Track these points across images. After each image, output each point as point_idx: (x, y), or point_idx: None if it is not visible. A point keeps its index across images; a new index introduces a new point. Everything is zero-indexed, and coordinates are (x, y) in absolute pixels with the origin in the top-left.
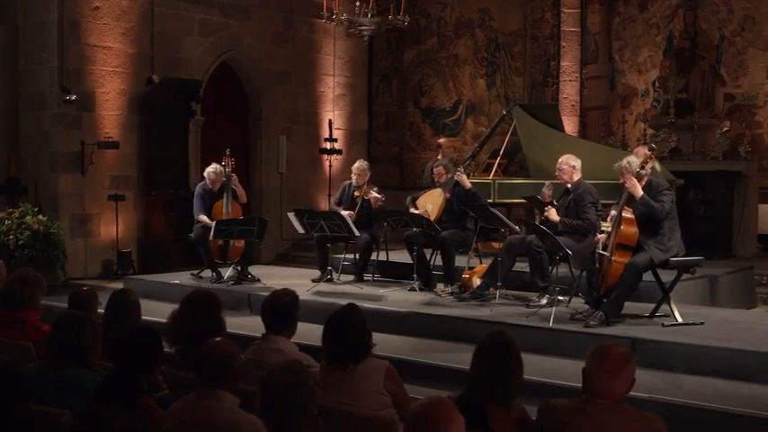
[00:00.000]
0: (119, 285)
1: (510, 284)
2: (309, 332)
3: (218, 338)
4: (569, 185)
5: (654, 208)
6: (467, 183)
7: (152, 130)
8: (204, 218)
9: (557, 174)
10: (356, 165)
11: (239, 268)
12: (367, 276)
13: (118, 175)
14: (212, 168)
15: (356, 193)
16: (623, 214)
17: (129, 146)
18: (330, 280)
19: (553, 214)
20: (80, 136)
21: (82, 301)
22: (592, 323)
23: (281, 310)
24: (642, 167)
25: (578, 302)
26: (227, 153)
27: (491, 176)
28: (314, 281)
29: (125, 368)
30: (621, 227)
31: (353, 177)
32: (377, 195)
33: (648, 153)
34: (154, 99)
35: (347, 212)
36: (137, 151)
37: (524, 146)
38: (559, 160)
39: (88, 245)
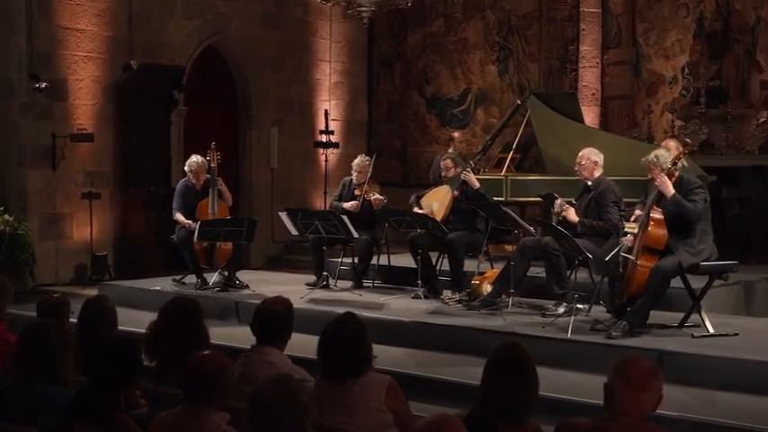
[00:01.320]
0: (93, 292)
1: (524, 291)
2: (303, 343)
3: (207, 351)
4: (589, 183)
5: (686, 208)
6: (475, 183)
7: (130, 121)
8: (180, 217)
9: (576, 170)
10: (357, 161)
11: (226, 273)
12: (367, 282)
13: (92, 170)
14: (194, 159)
15: (357, 191)
16: (652, 215)
17: (104, 138)
18: (326, 286)
19: (571, 214)
20: (51, 127)
21: (52, 309)
22: (614, 334)
23: (275, 319)
24: (674, 163)
25: (599, 311)
26: (213, 146)
27: (503, 172)
28: (308, 286)
29: (100, 383)
30: (649, 228)
31: (354, 174)
32: (379, 197)
33: (680, 148)
34: (132, 87)
35: (350, 204)
36: (113, 144)
37: (540, 139)
38: (579, 154)
39: (59, 247)
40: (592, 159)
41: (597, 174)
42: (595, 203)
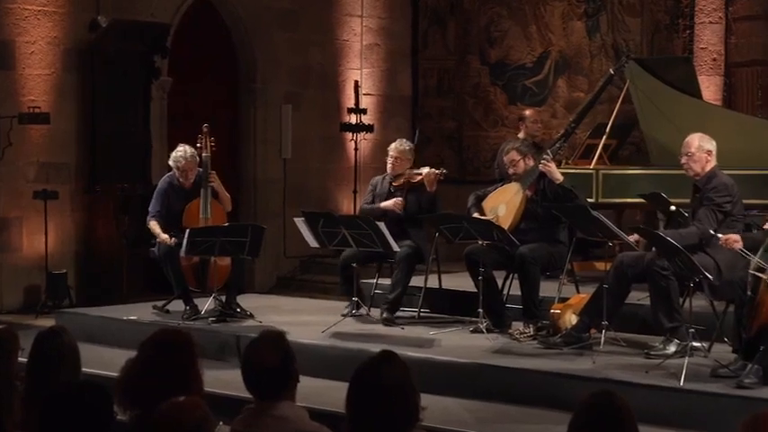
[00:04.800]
0: (49, 323)
1: (621, 324)
2: (326, 392)
3: (182, 398)
4: (698, 178)
5: None
6: (557, 174)
7: (98, 96)
8: (156, 227)
9: (683, 162)
10: (393, 145)
11: (224, 299)
12: (410, 311)
13: (48, 162)
14: (181, 151)
15: (395, 183)
16: None
17: (64, 120)
18: (357, 315)
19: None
20: None
21: None
22: (745, 381)
23: (269, 372)
24: None
25: (723, 350)
26: (205, 130)
27: (593, 165)
28: (344, 316)
29: None
30: None
31: (389, 165)
32: (434, 170)
33: None
34: (100, 52)
35: (390, 202)
36: (75, 128)
37: (642, 119)
38: (686, 142)
39: (4, 263)
40: (704, 149)
41: (710, 166)
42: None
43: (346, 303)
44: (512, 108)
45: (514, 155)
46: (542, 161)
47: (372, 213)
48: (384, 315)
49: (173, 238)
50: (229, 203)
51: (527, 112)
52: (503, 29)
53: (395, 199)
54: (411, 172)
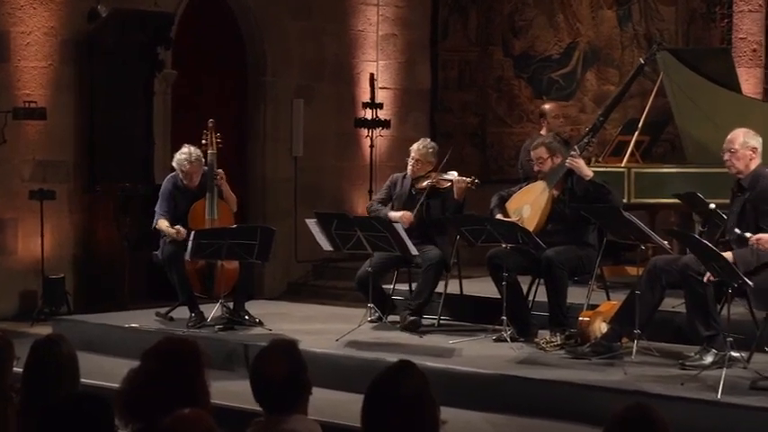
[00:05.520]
0: (46, 331)
1: (654, 333)
2: (340, 405)
3: (187, 411)
4: (741, 177)
5: None
6: (586, 170)
7: (97, 90)
8: (165, 224)
9: (725, 159)
10: (415, 146)
11: (231, 305)
12: (429, 318)
13: (44, 159)
14: (185, 153)
15: (417, 186)
16: None
17: (61, 115)
18: (375, 322)
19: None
20: None
21: None
22: None
23: (279, 384)
24: None
25: (763, 361)
26: (211, 125)
27: (624, 163)
28: (372, 321)
29: None
30: None
31: (410, 166)
32: (463, 178)
33: None
34: (100, 43)
35: (399, 214)
36: (73, 123)
37: (677, 114)
38: (729, 138)
39: None
40: (749, 145)
41: (754, 165)
42: (752, 208)
43: (371, 311)
44: (537, 102)
45: (543, 151)
46: (569, 157)
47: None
48: (408, 321)
49: (184, 230)
50: (235, 204)
51: (547, 107)
52: (528, 18)
53: (403, 212)
54: (438, 177)
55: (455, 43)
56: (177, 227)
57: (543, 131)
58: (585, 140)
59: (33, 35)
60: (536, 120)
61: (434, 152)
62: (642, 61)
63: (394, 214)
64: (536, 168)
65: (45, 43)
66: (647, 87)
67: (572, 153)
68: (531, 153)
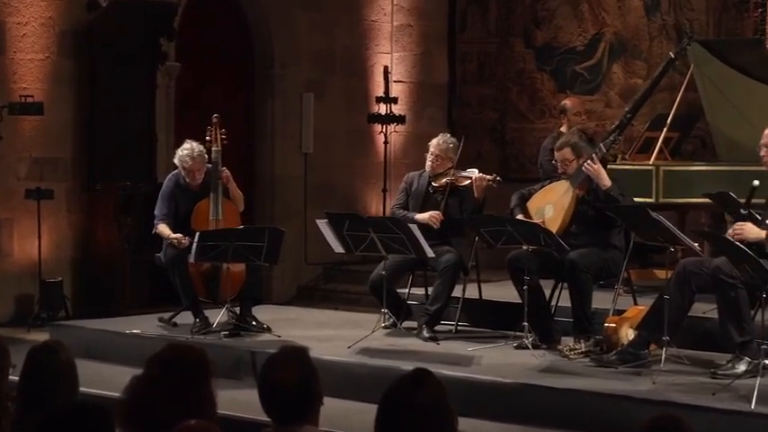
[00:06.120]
0: (43, 337)
1: (684, 340)
2: (353, 415)
3: (193, 422)
4: None
5: None
6: (604, 180)
7: (97, 84)
8: (165, 229)
9: (762, 155)
10: (434, 142)
11: (238, 310)
12: (447, 324)
13: (41, 157)
14: (187, 149)
15: (435, 183)
16: None
17: (59, 110)
18: (390, 328)
19: (752, 230)
20: None
21: None
22: None
23: (288, 392)
24: None
25: None
26: (216, 120)
27: (652, 160)
28: (385, 327)
29: None
30: None
31: (428, 162)
32: (485, 176)
33: None
34: (100, 34)
35: (426, 215)
36: (72, 119)
37: (708, 109)
38: (766, 132)
39: None
40: None
41: None
42: None
43: (385, 316)
44: (560, 96)
45: (568, 153)
46: (586, 163)
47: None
48: (425, 332)
49: (186, 237)
50: (241, 203)
51: (567, 103)
52: (550, 8)
53: (431, 213)
54: (457, 174)
55: (474, 34)
56: (178, 235)
57: (564, 128)
58: (611, 138)
59: (30, 26)
60: (557, 116)
61: (455, 148)
62: (672, 55)
63: (421, 216)
64: (560, 170)
65: (42, 34)
66: (677, 81)
67: (591, 157)
68: (556, 154)
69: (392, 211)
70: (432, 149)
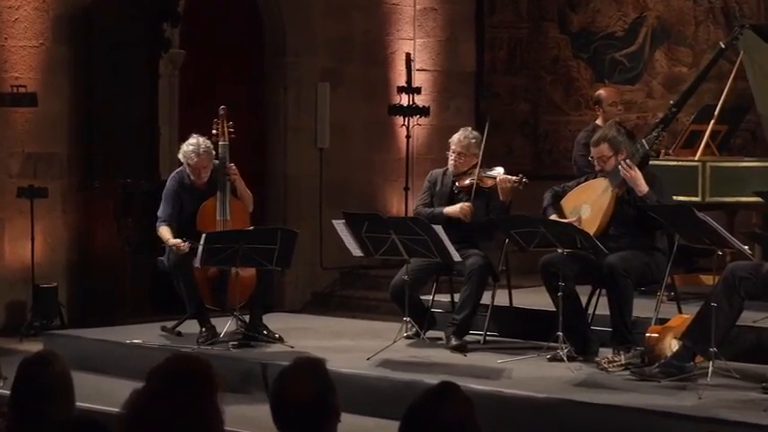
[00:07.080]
0: (36, 347)
1: (733, 351)
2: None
3: None
4: None
5: None
6: (641, 185)
7: (95, 73)
8: (167, 233)
9: None
10: (455, 137)
11: (247, 319)
12: (475, 334)
13: (35, 152)
14: (192, 144)
15: (459, 183)
16: None
17: (54, 101)
18: (412, 338)
19: None
20: None
21: None
22: None
23: (303, 408)
24: None
25: None
26: (223, 112)
27: (698, 155)
28: (408, 337)
29: None
30: None
31: (451, 161)
32: (510, 177)
33: None
34: (98, 20)
35: (454, 208)
36: (68, 111)
37: (759, 100)
38: None
39: None
40: None
41: None
42: None
43: (408, 325)
44: (598, 86)
45: (605, 149)
46: (622, 164)
47: (432, 221)
48: (453, 342)
49: (186, 243)
50: (251, 203)
51: (602, 93)
52: None
53: (461, 204)
54: (481, 173)
55: (504, 18)
56: (177, 240)
57: (599, 121)
58: (655, 134)
59: (23, 10)
60: (593, 106)
61: (477, 142)
62: (722, 45)
63: (451, 209)
64: (597, 168)
65: (36, 19)
66: (725, 69)
67: (637, 148)
68: (592, 150)
69: (416, 210)
70: (453, 147)
